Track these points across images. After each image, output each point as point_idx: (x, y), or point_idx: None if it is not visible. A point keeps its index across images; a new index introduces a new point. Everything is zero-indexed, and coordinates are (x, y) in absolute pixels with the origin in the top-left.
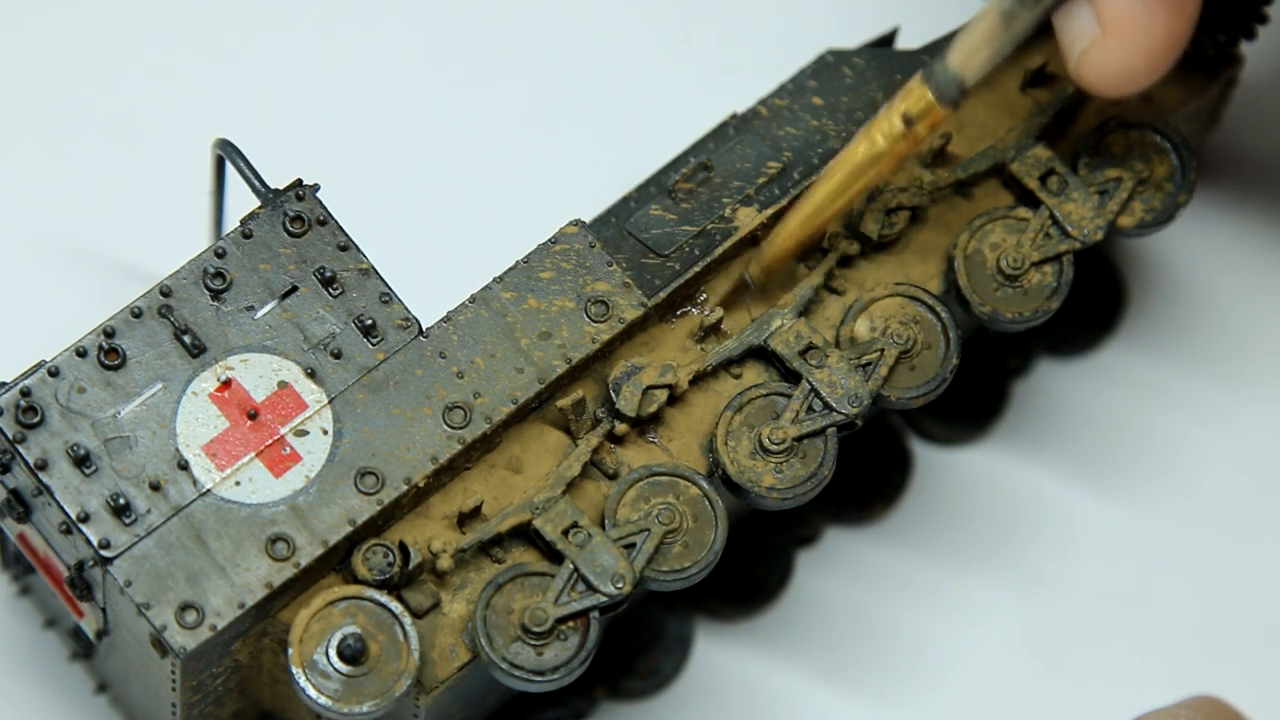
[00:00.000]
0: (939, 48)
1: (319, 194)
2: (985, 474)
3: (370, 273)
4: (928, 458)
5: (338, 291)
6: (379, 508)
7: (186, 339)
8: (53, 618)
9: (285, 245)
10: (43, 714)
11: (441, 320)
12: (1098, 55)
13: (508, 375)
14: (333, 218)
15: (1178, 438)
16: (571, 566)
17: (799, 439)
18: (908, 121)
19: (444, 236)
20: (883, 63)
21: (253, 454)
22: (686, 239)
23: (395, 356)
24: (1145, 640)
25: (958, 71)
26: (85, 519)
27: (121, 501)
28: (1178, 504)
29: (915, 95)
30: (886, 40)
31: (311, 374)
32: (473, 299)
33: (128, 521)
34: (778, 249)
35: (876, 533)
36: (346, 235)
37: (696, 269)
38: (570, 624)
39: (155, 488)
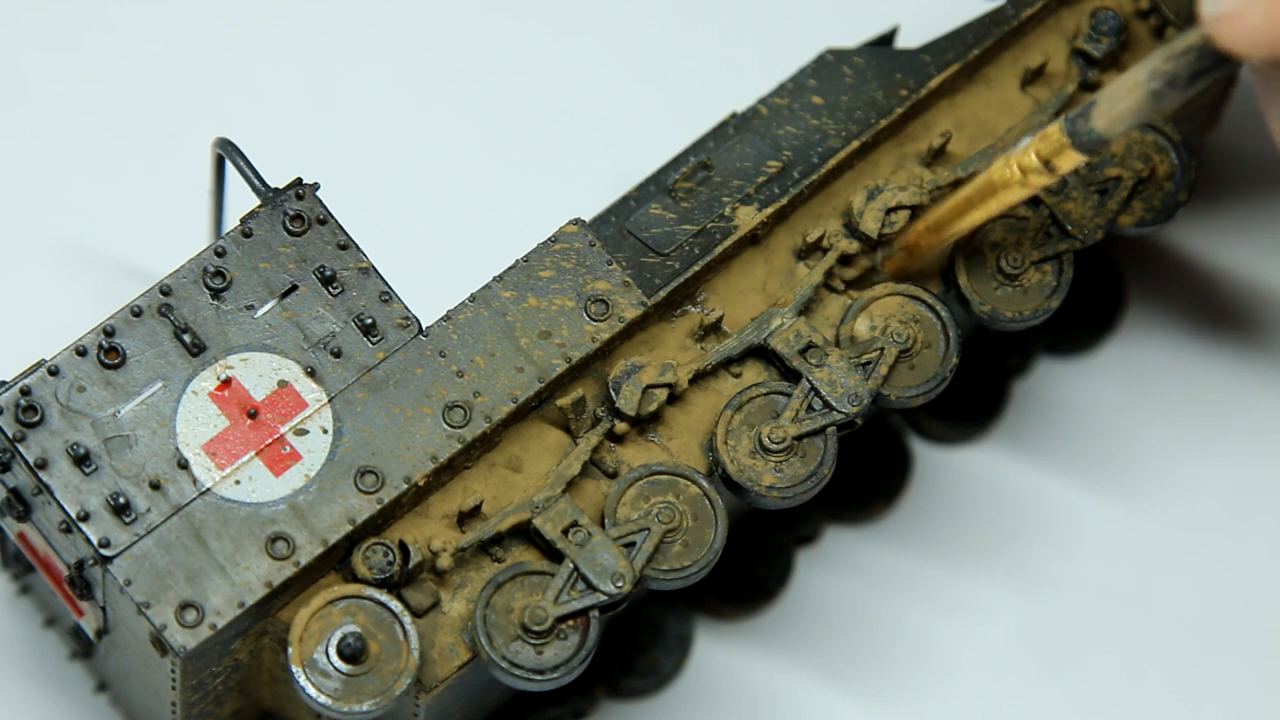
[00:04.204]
0: (939, 47)
1: (319, 193)
2: (985, 473)
3: (370, 271)
4: (928, 457)
5: (337, 290)
6: (379, 507)
7: (186, 338)
8: (52, 617)
9: (285, 244)
10: (43, 713)
11: (441, 319)
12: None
13: (507, 374)
14: (332, 216)
15: (1178, 437)
16: (571, 565)
17: (799, 438)
18: (1045, 163)
19: (444, 236)
20: (882, 62)
21: (252, 453)
22: (686, 238)
23: (395, 355)
24: (1145, 640)
25: (1102, 133)
26: (85, 518)
27: (121, 500)
28: (1178, 504)
29: (1053, 141)
30: (886, 39)
31: (311, 373)
32: (472, 298)
33: (128, 520)
34: (905, 250)
35: (876, 532)
36: (346, 234)
37: (696, 268)
38: (570, 623)
39: (155, 487)
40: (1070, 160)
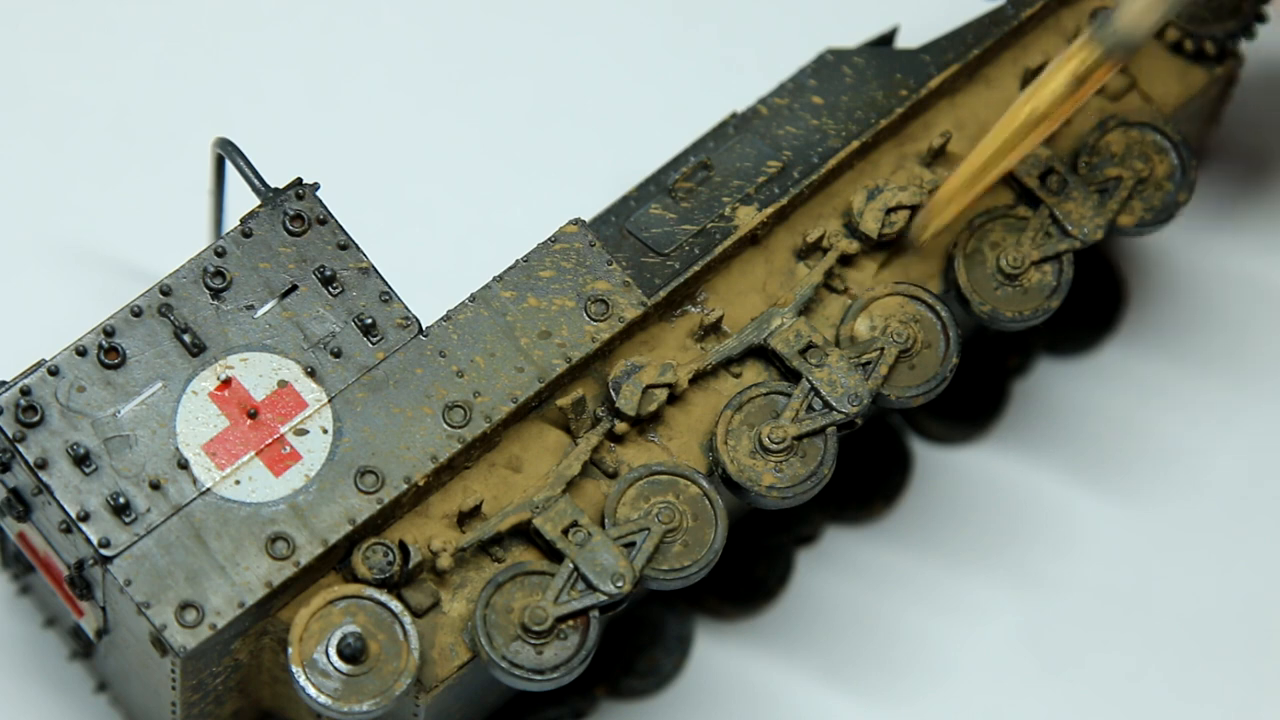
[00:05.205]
0: (939, 47)
1: (319, 193)
2: (985, 473)
3: (370, 271)
4: (928, 457)
5: (337, 290)
6: (379, 507)
7: (186, 338)
8: (52, 617)
9: (285, 244)
10: (43, 713)
11: (441, 319)
12: None
13: (508, 374)
14: (332, 216)
15: (1178, 437)
16: (571, 565)
17: (799, 438)
18: (1079, 80)
19: (444, 236)
20: (882, 62)
21: (252, 453)
22: (686, 238)
23: (395, 355)
24: (1144, 639)
25: (1129, 33)
26: (85, 518)
27: (121, 500)
28: (1178, 504)
29: (1084, 54)
30: (886, 39)
31: (311, 373)
32: (472, 298)
33: (127, 520)
34: (941, 211)
35: (876, 532)
36: (346, 234)
37: (696, 268)
38: (570, 623)
39: (155, 487)
40: (1100, 71)
